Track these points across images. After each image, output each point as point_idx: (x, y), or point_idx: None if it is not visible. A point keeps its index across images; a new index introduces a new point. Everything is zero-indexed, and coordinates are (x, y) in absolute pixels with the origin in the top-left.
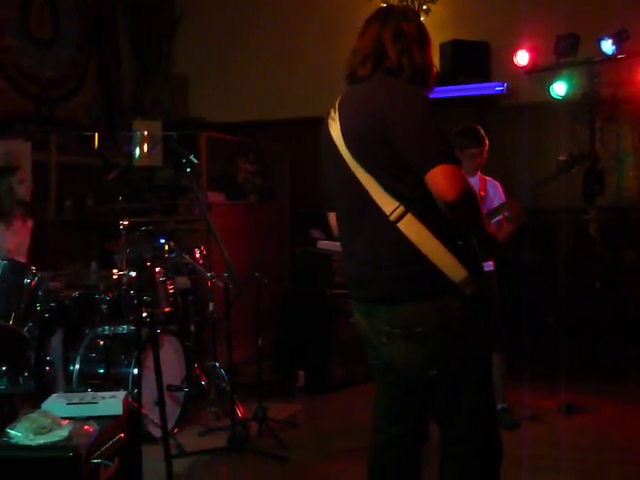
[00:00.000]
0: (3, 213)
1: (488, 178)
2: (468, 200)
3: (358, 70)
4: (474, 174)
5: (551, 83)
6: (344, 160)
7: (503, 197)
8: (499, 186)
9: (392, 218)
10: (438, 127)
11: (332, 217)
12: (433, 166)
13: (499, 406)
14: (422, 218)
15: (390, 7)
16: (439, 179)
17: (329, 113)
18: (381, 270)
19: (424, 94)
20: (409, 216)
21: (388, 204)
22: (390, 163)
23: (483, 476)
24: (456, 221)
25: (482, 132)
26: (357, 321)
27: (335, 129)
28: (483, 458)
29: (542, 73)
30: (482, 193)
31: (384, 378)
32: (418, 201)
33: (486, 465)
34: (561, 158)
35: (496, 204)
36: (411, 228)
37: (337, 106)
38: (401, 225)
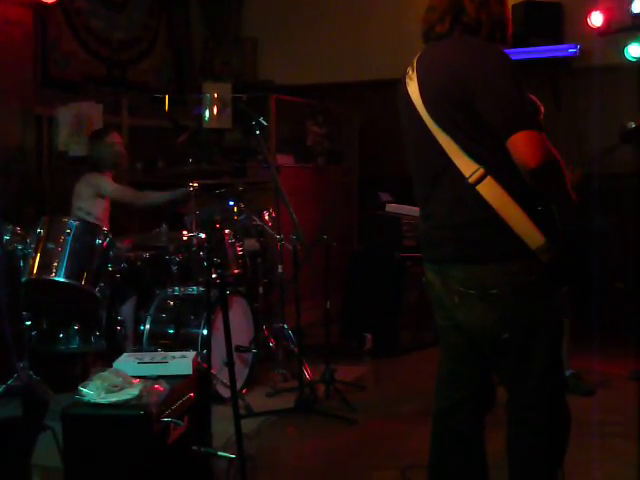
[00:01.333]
0: (101, 166)
1: None
2: (550, 168)
3: (436, 27)
4: None
5: (626, 45)
6: (422, 120)
7: None
8: None
9: (471, 181)
10: (521, 89)
11: None
12: (514, 132)
13: (567, 372)
14: (502, 182)
15: None
16: (520, 146)
17: (406, 72)
18: (458, 232)
19: (507, 54)
20: (489, 179)
21: (467, 166)
22: (469, 125)
23: (551, 443)
24: (537, 188)
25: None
26: (429, 281)
27: (413, 88)
28: (551, 425)
29: (617, 35)
30: None
31: (452, 339)
32: (498, 164)
33: (554, 433)
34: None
35: None
36: (490, 191)
37: (415, 64)
38: (480, 188)
